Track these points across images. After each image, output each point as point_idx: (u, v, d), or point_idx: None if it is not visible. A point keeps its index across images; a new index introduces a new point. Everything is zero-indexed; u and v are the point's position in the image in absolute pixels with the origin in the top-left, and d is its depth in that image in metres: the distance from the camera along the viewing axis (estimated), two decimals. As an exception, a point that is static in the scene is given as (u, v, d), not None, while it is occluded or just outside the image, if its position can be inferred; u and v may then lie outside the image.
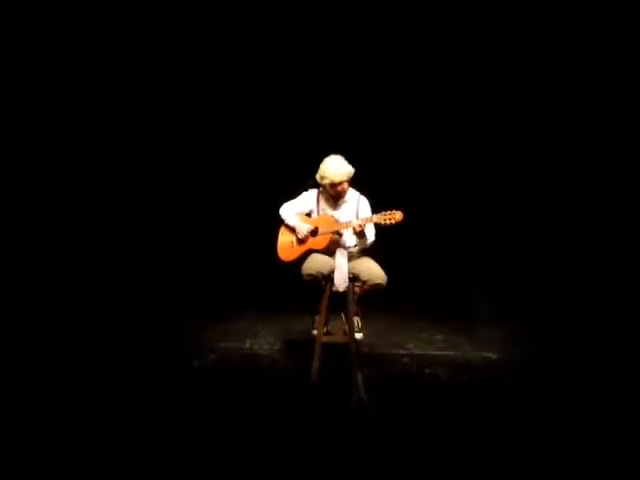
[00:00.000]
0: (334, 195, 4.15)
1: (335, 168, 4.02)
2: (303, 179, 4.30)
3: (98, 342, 4.75)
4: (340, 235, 4.11)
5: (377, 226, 4.03)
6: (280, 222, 4.26)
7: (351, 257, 4.09)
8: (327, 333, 4.21)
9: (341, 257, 4.02)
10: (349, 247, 4.14)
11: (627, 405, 3.73)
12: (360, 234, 4.01)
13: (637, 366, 4.36)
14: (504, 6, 5.82)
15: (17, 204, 5.76)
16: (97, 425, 3.40)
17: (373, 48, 6.07)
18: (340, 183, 4.05)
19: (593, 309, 5.34)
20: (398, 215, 3.86)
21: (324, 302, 4.06)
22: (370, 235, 4.10)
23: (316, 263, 4.00)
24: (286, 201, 4.29)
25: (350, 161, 4.10)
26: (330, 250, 4.08)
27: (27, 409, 3.57)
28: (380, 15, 5.96)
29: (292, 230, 4.20)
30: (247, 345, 4.96)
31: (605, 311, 5.28)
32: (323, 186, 4.16)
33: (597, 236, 5.77)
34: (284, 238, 4.22)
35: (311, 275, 3.96)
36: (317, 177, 4.12)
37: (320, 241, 4.10)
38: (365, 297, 4.15)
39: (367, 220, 3.96)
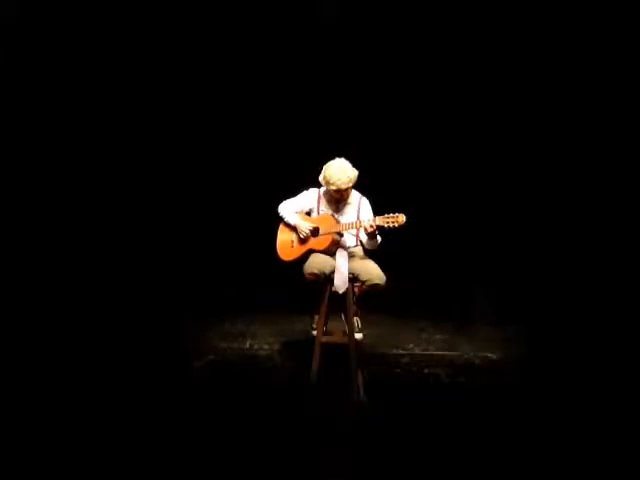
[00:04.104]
0: (337, 199, 4.14)
1: (340, 174, 3.96)
2: (303, 179, 4.28)
3: (99, 343, 4.75)
4: (341, 235, 4.10)
5: (379, 229, 4.01)
6: (279, 220, 4.24)
7: (351, 258, 4.08)
8: (327, 333, 4.20)
9: (341, 258, 4.01)
10: (349, 247, 4.13)
11: (627, 404, 3.73)
12: (372, 235, 4.00)
13: (637, 366, 4.36)
14: (504, 7, 5.82)
15: (17, 205, 5.76)
16: (97, 425, 3.40)
17: (375, 50, 6.09)
18: (345, 190, 4.04)
19: (593, 309, 5.35)
20: (401, 218, 3.84)
21: (324, 302, 4.06)
22: (378, 237, 4.09)
23: (318, 262, 3.98)
24: (286, 199, 4.26)
25: (351, 161, 4.08)
26: (330, 251, 4.07)
27: (29, 407, 3.57)
28: (382, 18, 5.97)
29: (292, 229, 4.18)
30: (247, 345, 4.96)
31: (604, 311, 5.28)
32: (326, 188, 4.14)
33: (596, 237, 5.77)
34: (283, 237, 4.20)
35: (313, 274, 3.94)
36: (321, 179, 4.09)
37: (321, 241, 4.08)
38: (364, 297, 4.14)
39: (372, 222, 3.93)
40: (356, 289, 4.06)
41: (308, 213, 4.24)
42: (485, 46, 5.97)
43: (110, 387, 3.93)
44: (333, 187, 4.00)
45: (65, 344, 4.66)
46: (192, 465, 3.04)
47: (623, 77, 5.66)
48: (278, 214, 4.22)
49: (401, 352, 4.83)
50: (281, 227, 4.23)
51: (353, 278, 4.00)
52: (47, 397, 3.73)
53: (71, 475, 2.95)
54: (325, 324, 4.13)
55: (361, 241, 4.16)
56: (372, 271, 3.97)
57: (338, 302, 4.06)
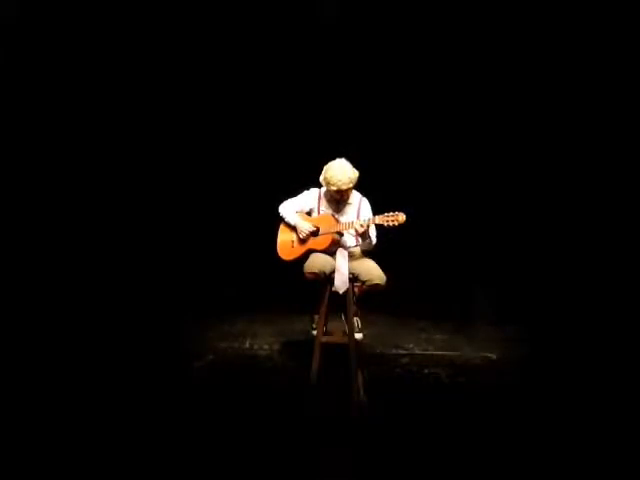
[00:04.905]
0: (338, 199, 4.14)
1: (341, 175, 3.96)
2: (303, 179, 4.28)
3: (99, 343, 4.75)
4: (341, 235, 4.10)
5: (378, 227, 4.01)
6: (280, 220, 4.24)
7: (351, 257, 4.08)
8: (327, 333, 4.20)
9: (341, 258, 4.00)
10: (349, 247, 4.13)
11: (627, 404, 3.73)
12: (364, 235, 4.00)
13: (637, 365, 4.36)
14: (504, 6, 5.82)
15: (17, 205, 5.76)
16: (98, 425, 3.40)
17: (375, 51, 6.09)
18: (345, 190, 4.04)
19: (593, 309, 5.35)
20: (401, 217, 3.83)
21: (324, 302, 4.06)
22: (373, 237, 4.09)
23: (318, 262, 3.98)
24: (286, 199, 4.26)
25: (351, 161, 4.07)
26: (330, 250, 4.07)
27: (29, 407, 3.57)
28: (382, 19, 5.97)
29: (292, 229, 4.18)
30: (247, 345, 4.96)
31: (605, 310, 5.28)
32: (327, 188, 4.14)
33: (596, 237, 5.77)
34: (284, 237, 4.21)
35: (313, 273, 3.94)
36: (321, 180, 4.09)
37: (321, 241, 4.08)
38: (364, 297, 4.14)
39: (369, 221, 3.94)
40: (356, 289, 4.05)
41: (309, 213, 4.24)
42: (485, 46, 5.97)
43: (110, 387, 3.93)
44: (333, 187, 4.00)
45: (66, 344, 4.66)
46: (192, 465, 3.04)
47: (623, 77, 5.66)
48: (278, 214, 4.22)
49: (401, 352, 4.83)
50: (281, 227, 4.23)
51: (353, 278, 4.00)
52: (48, 397, 3.73)
53: (71, 475, 2.95)
54: (325, 324, 4.13)
55: (360, 241, 4.17)
56: (372, 271, 3.97)
57: (338, 302, 4.06)
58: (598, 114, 5.83)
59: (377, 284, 3.94)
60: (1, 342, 4.55)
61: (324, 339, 4.07)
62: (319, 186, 4.19)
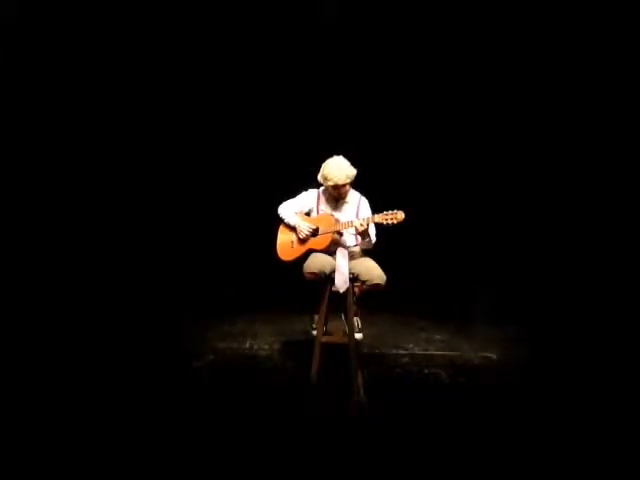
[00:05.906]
0: (336, 196, 4.15)
1: (338, 171, 3.99)
2: (303, 179, 4.28)
3: (99, 343, 4.75)
4: (341, 235, 4.10)
5: (378, 226, 4.02)
6: (279, 221, 4.25)
7: (351, 257, 4.08)
8: (327, 333, 4.20)
9: (342, 258, 4.01)
10: (349, 247, 4.13)
11: (627, 404, 3.73)
12: (363, 234, 4.01)
13: (636, 366, 4.36)
14: (503, 7, 5.82)
15: (17, 205, 5.76)
16: (98, 425, 3.40)
17: (375, 50, 6.09)
18: (343, 186, 4.05)
19: (593, 308, 5.35)
20: (400, 215, 3.85)
21: (324, 302, 4.06)
22: (372, 236, 4.10)
23: (318, 262, 3.98)
24: (285, 200, 4.27)
25: (351, 160, 4.08)
26: (330, 250, 4.07)
27: (29, 407, 3.57)
28: (381, 18, 5.98)
29: (292, 229, 4.18)
30: (247, 345, 4.96)
31: (605, 310, 5.28)
32: (325, 187, 4.15)
33: (596, 236, 5.78)
34: (283, 237, 4.21)
35: (313, 273, 3.94)
36: (319, 178, 4.11)
37: (321, 241, 4.08)
38: (364, 297, 4.14)
39: (369, 220, 3.95)
40: (356, 289, 4.06)
41: (307, 213, 4.24)
42: (484, 46, 5.97)
43: (110, 387, 3.93)
44: (330, 183, 4.02)
45: (66, 344, 4.67)
46: (192, 465, 3.04)
47: (623, 77, 5.66)
48: (278, 215, 4.22)
49: (401, 352, 4.83)
50: (281, 228, 4.24)
51: (353, 278, 4.00)
52: (47, 397, 3.73)
53: (71, 475, 2.95)
54: (325, 324, 4.13)
55: (360, 241, 4.17)
56: (372, 271, 3.97)
57: (338, 302, 4.06)
58: (598, 114, 5.83)
59: (377, 284, 3.94)
60: (2, 343, 4.55)
61: (324, 339, 4.07)
62: (318, 187, 4.20)
